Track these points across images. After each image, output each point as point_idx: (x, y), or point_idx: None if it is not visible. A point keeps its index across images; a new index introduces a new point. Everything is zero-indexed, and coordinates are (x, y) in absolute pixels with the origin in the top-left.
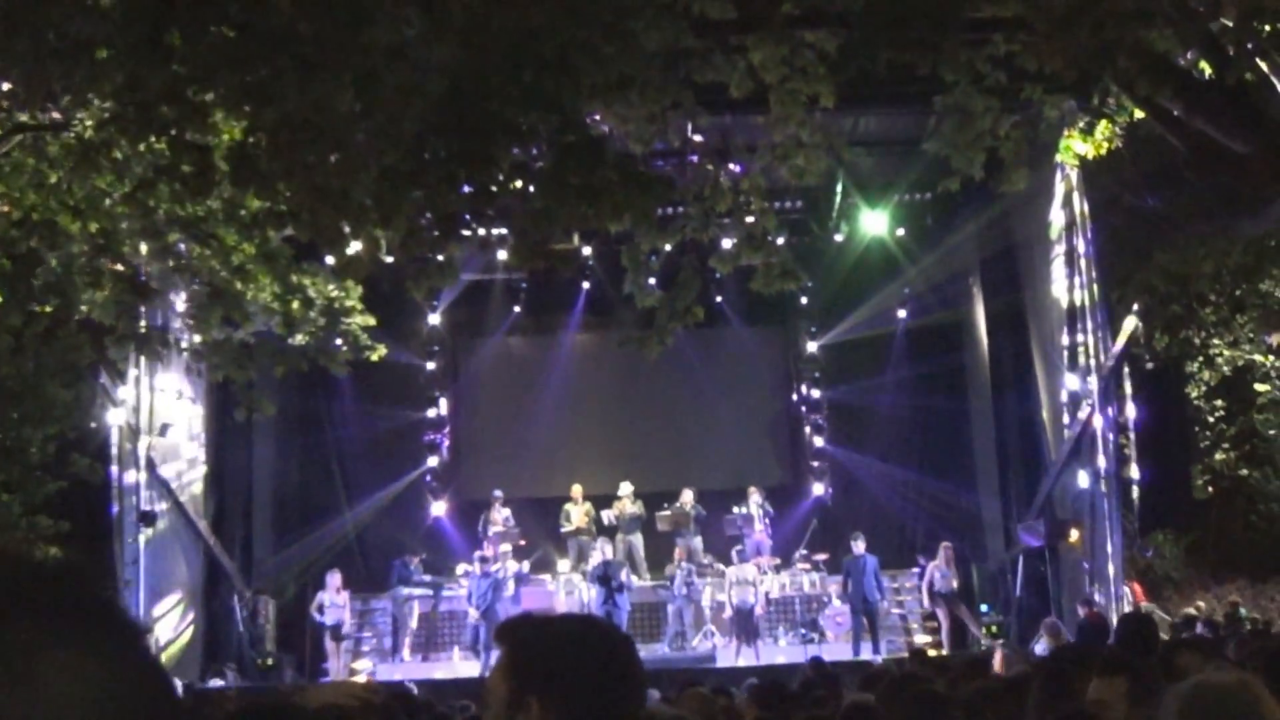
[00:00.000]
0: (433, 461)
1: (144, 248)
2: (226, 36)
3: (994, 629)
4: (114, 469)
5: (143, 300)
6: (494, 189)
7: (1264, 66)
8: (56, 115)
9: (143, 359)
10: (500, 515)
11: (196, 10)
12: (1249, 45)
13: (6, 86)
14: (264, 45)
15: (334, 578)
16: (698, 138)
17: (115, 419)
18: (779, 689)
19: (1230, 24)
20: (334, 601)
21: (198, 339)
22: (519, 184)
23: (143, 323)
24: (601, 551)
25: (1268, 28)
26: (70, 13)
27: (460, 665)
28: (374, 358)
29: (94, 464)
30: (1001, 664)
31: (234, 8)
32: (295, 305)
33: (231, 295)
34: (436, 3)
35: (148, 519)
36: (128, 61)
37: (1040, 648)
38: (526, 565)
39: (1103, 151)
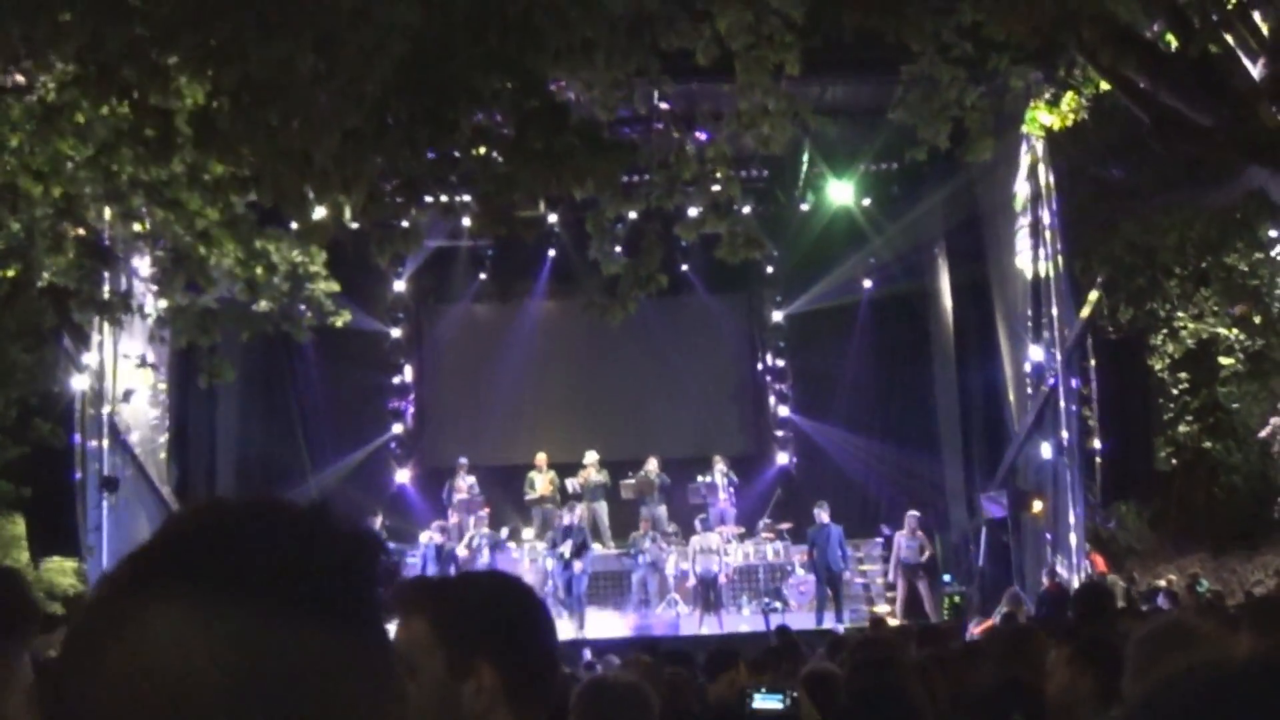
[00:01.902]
0: (397, 428)
1: (107, 212)
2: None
3: (956, 599)
4: (77, 434)
5: (106, 265)
6: (456, 154)
7: (1228, 38)
8: (19, 78)
9: (106, 324)
10: (465, 483)
11: None
12: (1213, 17)
13: None
14: (225, 4)
15: None
16: (663, 105)
17: (78, 384)
18: (730, 657)
19: None
20: None
21: (161, 304)
22: (482, 149)
23: (106, 287)
24: (562, 518)
25: (1232, 0)
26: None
27: None
28: (338, 323)
29: (56, 429)
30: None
31: None
32: (259, 271)
33: (195, 260)
34: None
35: (111, 485)
36: (89, 21)
37: (1000, 617)
38: (504, 533)
39: (1068, 123)
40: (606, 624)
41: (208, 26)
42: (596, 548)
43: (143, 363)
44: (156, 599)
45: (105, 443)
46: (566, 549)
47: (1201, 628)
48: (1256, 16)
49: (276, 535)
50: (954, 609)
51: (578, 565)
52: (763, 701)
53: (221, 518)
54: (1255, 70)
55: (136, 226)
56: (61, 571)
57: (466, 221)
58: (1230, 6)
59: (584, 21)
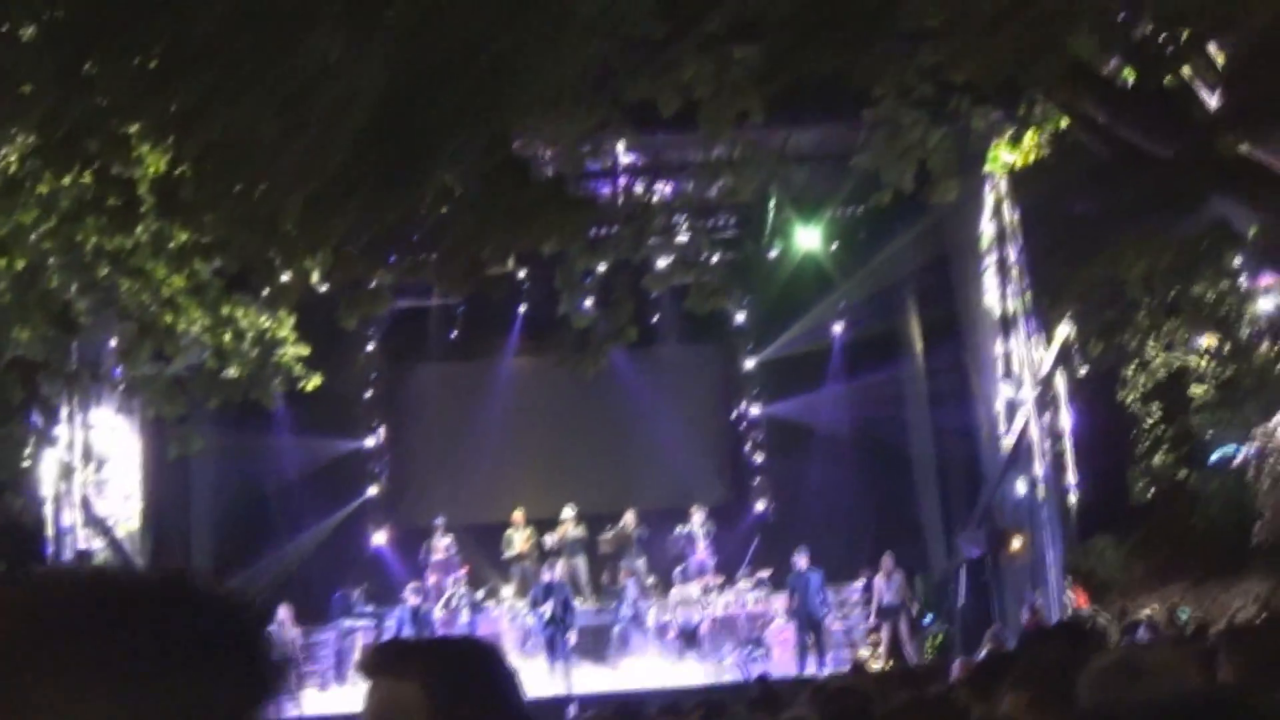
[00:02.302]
0: (373, 490)
1: (72, 283)
2: (148, 66)
3: (939, 639)
4: (48, 508)
5: (71, 336)
6: (422, 213)
7: (1185, 70)
8: None
9: (74, 395)
10: (442, 543)
11: (117, 40)
12: (1170, 51)
13: None
14: (187, 70)
15: (283, 611)
16: (628, 158)
17: (49, 457)
18: (718, 708)
19: (1151, 30)
20: (284, 636)
21: (130, 374)
22: (446, 208)
23: (73, 359)
24: (542, 575)
25: (1187, 33)
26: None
27: None
28: (309, 387)
29: (27, 504)
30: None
31: (155, 35)
32: (227, 337)
33: (161, 329)
34: (364, 21)
35: (84, 559)
36: (49, 93)
37: (986, 655)
38: (480, 594)
39: (1031, 160)
40: (590, 678)
41: (169, 93)
42: (577, 602)
43: (113, 435)
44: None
45: (78, 516)
46: (548, 608)
47: (1150, 660)
48: (1212, 48)
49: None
50: (936, 649)
51: (572, 637)
52: None
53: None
54: (1213, 101)
55: (103, 296)
56: None
57: (436, 280)
58: (1186, 38)
59: (555, 70)
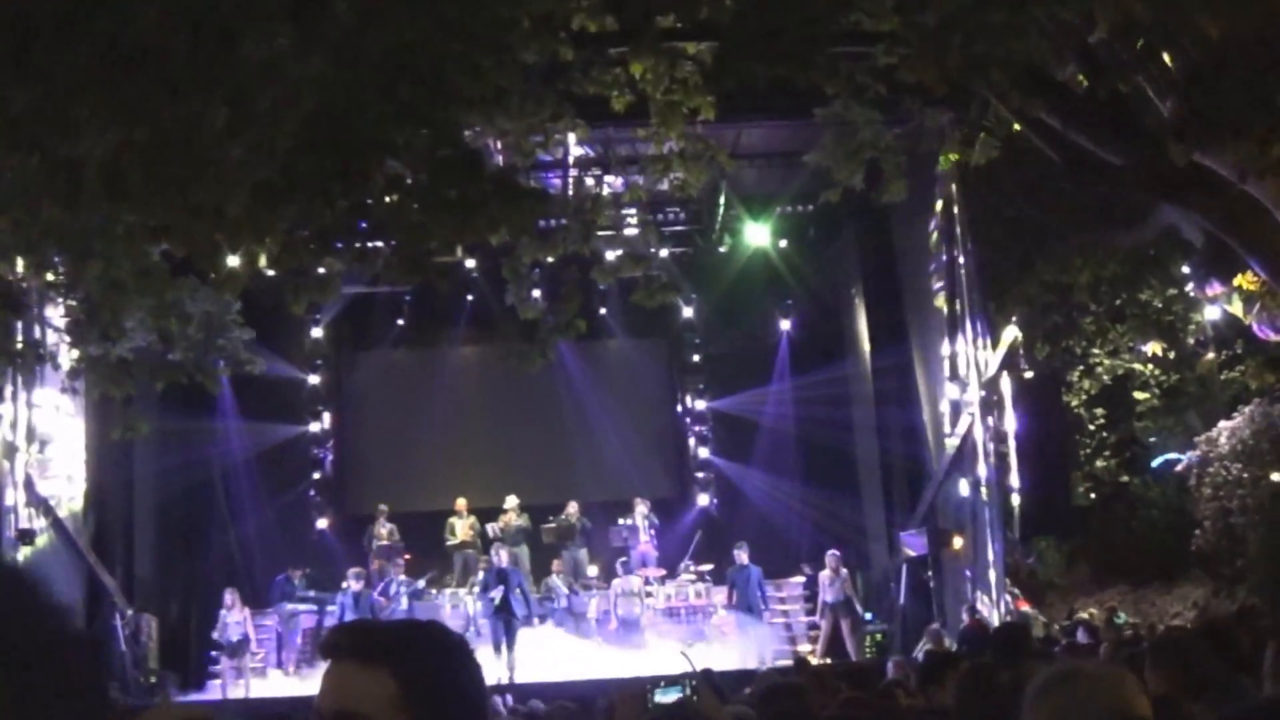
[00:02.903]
0: (317, 476)
1: (19, 262)
2: (94, 54)
3: (879, 637)
4: None
5: (17, 316)
6: (370, 203)
7: (1139, 80)
8: None
9: (18, 375)
10: (385, 529)
11: (61, 30)
12: (1124, 59)
13: None
14: (132, 64)
15: (230, 595)
16: (579, 150)
17: None
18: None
19: (1105, 37)
20: (233, 619)
21: (74, 354)
22: (395, 198)
23: (18, 338)
24: (494, 559)
25: (1140, 41)
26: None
27: None
28: (254, 371)
29: None
30: (895, 670)
31: (100, 26)
32: (172, 320)
33: (108, 311)
34: (308, 18)
35: (26, 537)
36: None
37: (922, 653)
38: (422, 582)
39: (982, 163)
40: (530, 668)
41: (114, 85)
42: (520, 595)
43: (57, 413)
44: None
45: (20, 495)
46: (498, 594)
47: (1089, 672)
48: (1165, 57)
49: None
50: (876, 647)
51: (526, 624)
52: (663, 696)
53: None
54: (1165, 110)
55: (49, 276)
56: None
57: (384, 268)
58: (1138, 46)
59: (496, 71)
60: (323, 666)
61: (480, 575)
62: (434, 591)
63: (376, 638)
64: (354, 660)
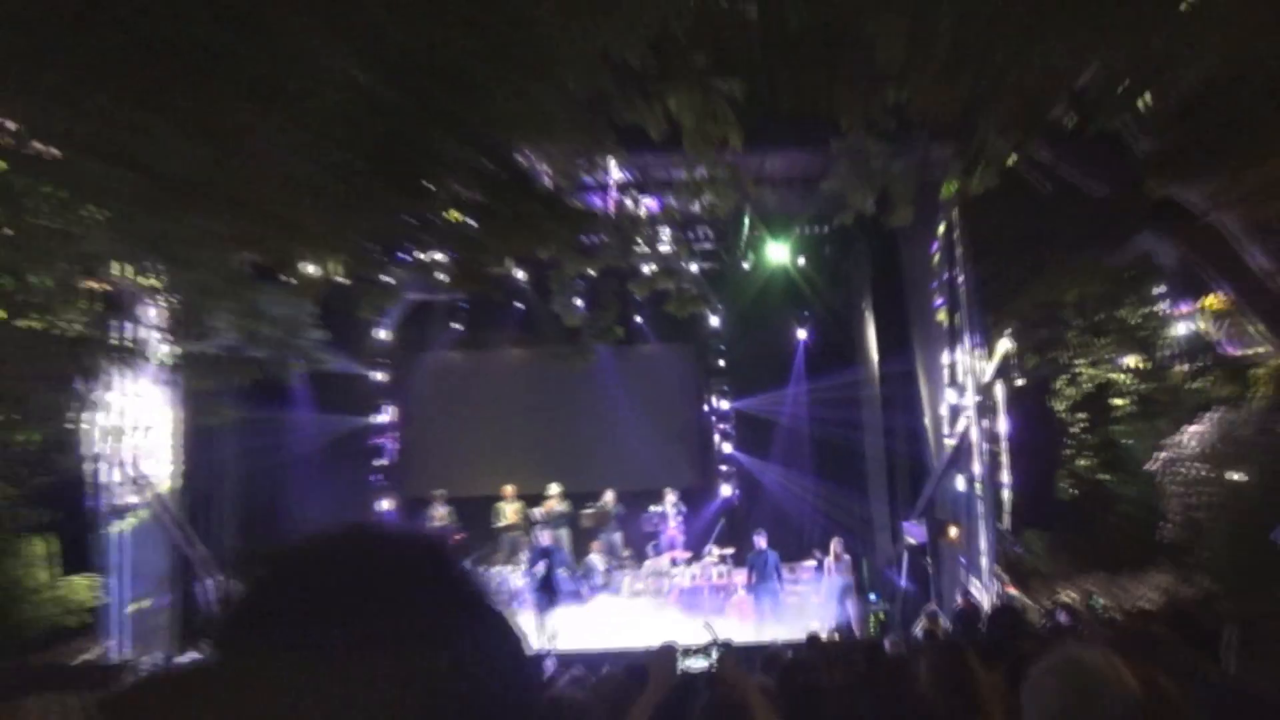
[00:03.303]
0: (380, 462)
1: (122, 268)
2: (175, 73)
3: (881, 616)
4: (94, 466)
5: (121, 315)
6: (432, 219)
7: (1124, 118)
8: (53, 151)
9: (120, 368)
10: (440, 512)
11: (149, 49)
12: (1109, 100)
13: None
14: (209, 81)
15: None
16: (619, 175)
17: (96, 421)
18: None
19: (1094, 81)
20: None
21: (170, 351)
22: (456, 215)
23: (121, 335)
24: (536, 540)
25: (1125, 85)
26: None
27: None
28: (326, 368)
29: (76, 461)
30: (891, 648)
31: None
32: (255, 322)
33: (199, 312)
34: (377, 44)
35: (125, 511)
36: (92, 97)
37: (919, 631)
38: (469, 563)
39: (981, 191)
40: (570, 638)
41: (197, 100)
42: (564, 571)
43: (154, 403)
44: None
45: (120, 474)
46: (541, 568)
47: (1088, 659)
48: (1145, 99)
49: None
50: (879, 625)
51: (563, 600)
52: (691, 662)
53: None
54: (1144, 147)
55: (149, 281)
56: (80, 588)
57: (443, 277)
58: (1123, 91)
59: (546, 98)
60: None
61: (525, 554)
62: (483, 568)
63: None
64: None
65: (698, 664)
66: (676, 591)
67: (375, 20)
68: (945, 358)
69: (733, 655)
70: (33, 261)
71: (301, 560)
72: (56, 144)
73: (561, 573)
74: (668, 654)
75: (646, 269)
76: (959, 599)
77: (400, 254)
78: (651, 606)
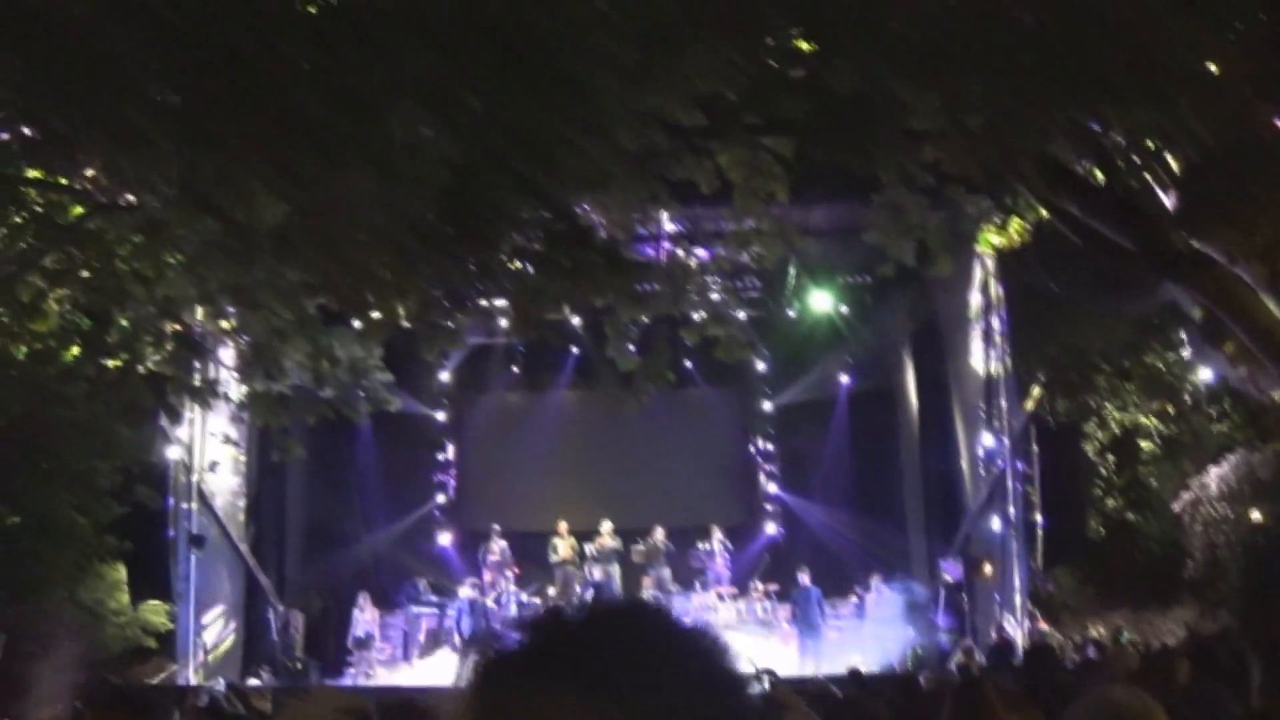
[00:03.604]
0: (440, 498)
1: (199, 311)
2: (262, 127)
3: (918, 651)
4: (170, 498)
5: (196, 356)
6: (496, 268)
7: (1146, 175)
8: (130, 198)
9: (196, 405)
10: (497, 545)
11: (239, 107)
12: (1134, 158)
13: (90, 172)
14: (292, 137)
15: (363, 598)
16: (671, 226)
17: (172, 455)
18: None
19: (1119, 140)
20: (363, 619)
21: (242, 390)
22: (518, 264)
23: (196, 375)
24: (589, 575)
25: (1150, 144)
26: (138, 110)
27: None
28: (391, 409)
29: (153, 493)
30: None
31: (266, 102)
32: (325, 363)
33: (271, 353)
34: (444, 106)
35: (198, 541)
36: (183, 151)
37: (955, 665)
38: (525, 595)
39: (1014, 243)
40: None
41: (282, 156)
42: None
43: (227, 439)
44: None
45: (194, 505)
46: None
47: (1124, 700)
48: (1168, 156)
49: (644, 645)
50: (916, 659)
51: None
52: None
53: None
54: (1168, 201)
55: (223, 323)
56: (155, 612)
57: (503, 323)
58: (1147, 147)
59: (602, 156)
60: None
61: (578, 588)
62: (538, 600)
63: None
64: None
65: None
66: (722, 626)
67: (463, 96)
68: (981, 402)
69: (782, 681)
70: (117, 304)
71: (588, 624)
72: (160, 198)
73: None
74: None
75: (697, 316)
76: (994, 634)
77: (463, 300)
78: None
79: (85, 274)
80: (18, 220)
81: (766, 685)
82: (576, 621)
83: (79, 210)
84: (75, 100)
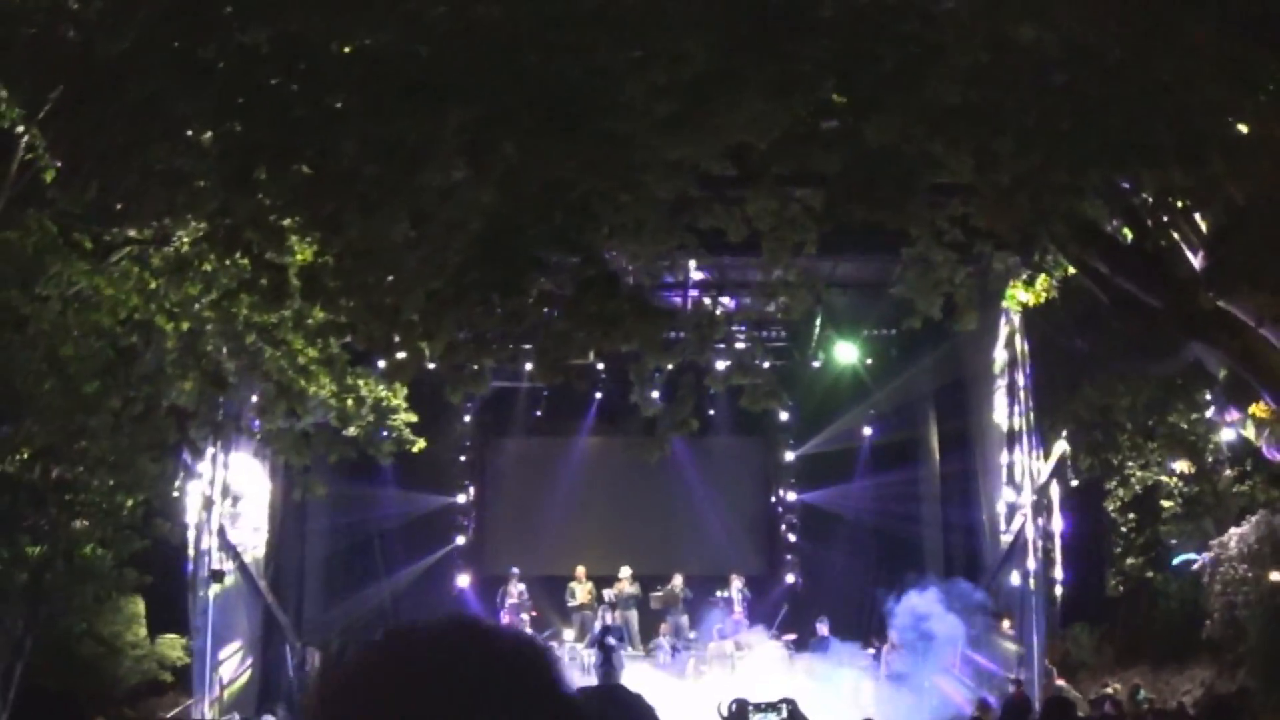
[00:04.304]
0: (460, 540)
1: (225, 348)
2: (303, 175)
3: (934, 702)
4: (191, 533)
5: (220, 392)
6: (523, 313)
7: (1175, 235)
8: (158, 231)
9: (219, 441)
10: (516, 589)
11: (279, 152)
12: (1163, 217)
13: (119, 206)
14: (333, 185)
15: None
16: (699, 275)
17: (194, 490)
18: None
19: (1149, 199)
20: None
21: (266, 426)
22: (545, 309)
23: (220, 411)
24: (601, 618)
25: (1178, 203)
26: (173, 149)
27: None
28: (414, 449)
29: (173, 528)
30: None
31: (309, 152)
32: (349, 402)
33: (295, 391)
34: (481, 154)
35: (217, 576)
36: (220, 192)
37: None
38: (545, 635)
39: (1041, 300)
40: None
41: (318, 202)
42: (627, 649)
43: (248, 475)
44: None
45: (214, 540)
46: (611, 639)
47: None
48: (1197, 217)
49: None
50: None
51: (617, 659)
52: (761, 716)
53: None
54: (1196, 262)
55: (248, 360)
56: (173, 646)
57: (528, 367)
58: (1176, 207)
59: (635, 205)
60: None
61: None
62: (556, 644)
63: (600, 699)
64: None
65: (769, 717)
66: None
67: (500, 145)
68: (1004, 457)
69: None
70: (142, 338)
71: (409, 645)
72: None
73: (620, 644)
74: (741, 708)
75: (722, 364)
76: (1011, 688)
77: (492, 343)
78: (716, 686)
79: (112, 307)
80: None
81: (785, 714)
82: (401, 644)
83: (106, 239)
84: (111, 135)
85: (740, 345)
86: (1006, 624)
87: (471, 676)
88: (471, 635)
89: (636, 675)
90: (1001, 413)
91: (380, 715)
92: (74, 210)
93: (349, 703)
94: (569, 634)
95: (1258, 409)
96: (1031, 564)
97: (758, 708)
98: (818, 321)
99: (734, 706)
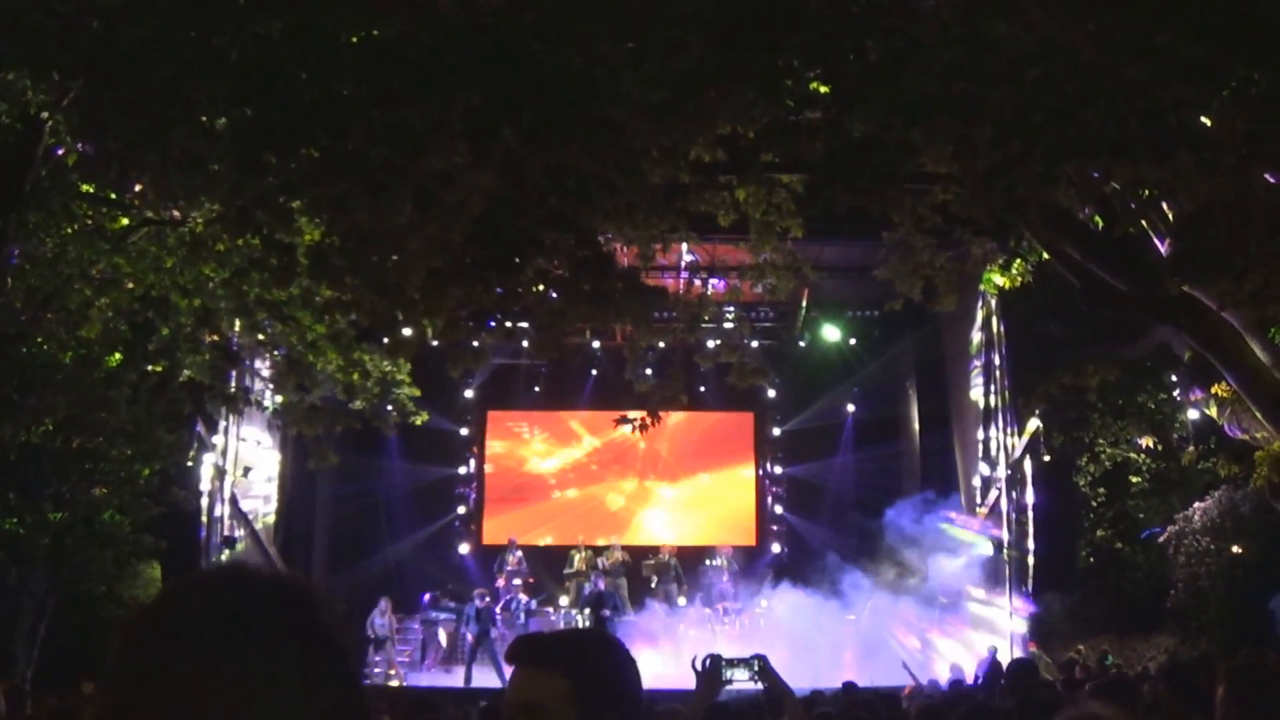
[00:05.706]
0: (461, 510)
1: (237, 323)
2: (312, 157)
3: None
4: (204, 500)
5: (233, 366)
6: (520, 291)
7: (1144, 224)
8: (175, 213)
9: (231, 413)
10: (514, 557)
11: (289, 136)
12: (1133, 206)
13: (138, 188)
14: (340, 167)
15: (384, 602)
16: (689, 257)
17: (207, 460)
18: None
19: (1118, 188)
20: (382, 620)
21: (276, 399)
22: (541, 288)
23: (232, 384)
24: (594, 584)
25: (1147, 193)
26: (190, 134)
27: (476, 675)
28: (418, 422)
29: (189, 495)
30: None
31: (318, 134)
32: (355, 376)
33: (304, 366)
34: (482, 140)
35: (229, 543)
36: (232, 174)
37: (945, 683)
38: (534, 603)
39: (1017, 284)
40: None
41: (325, 183)
42: (627, 615)
43: (259, 446)
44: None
45: (226, 508)
46: (606, 610)
47: (1103, 716)
48: (1165, 206)
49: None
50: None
51: (612, 625)
52: (734, 672)
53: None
54: (1163, 249)
55: (259, 336)
56: None
57: (525, 344)
58: (1145, 198)
59: (629, 190)
60: (460, 664)
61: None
62: (549, 610)
63: (551, 646)
64: (534, 664)
65: (740, 674)
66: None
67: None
68: (980, 433)
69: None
70: (159, 314)
71: (185, 588)
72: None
73: (613, 610)
74: (714, 662)
75: (711, 343)
76: (985, 653)
77: (490, 321)
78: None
79: (130, 284)
80: (69, 231)
81: (756, 668)
82: (180, 587)
83: (125, 222)
84: (132, 120)
85: (729, 325)
86: (982, 593)
87: (232, 612)
88: (236, 578)
89: (625, 640)
90: (978, 391)
91: (154, 646)
92: (95, 192)
93: (132, 635)
94: (564, 599)
95: (1220, 389)
96: (1005, 535)
97: (730, 663)
98: (804, 303)
99: (708, 661)
